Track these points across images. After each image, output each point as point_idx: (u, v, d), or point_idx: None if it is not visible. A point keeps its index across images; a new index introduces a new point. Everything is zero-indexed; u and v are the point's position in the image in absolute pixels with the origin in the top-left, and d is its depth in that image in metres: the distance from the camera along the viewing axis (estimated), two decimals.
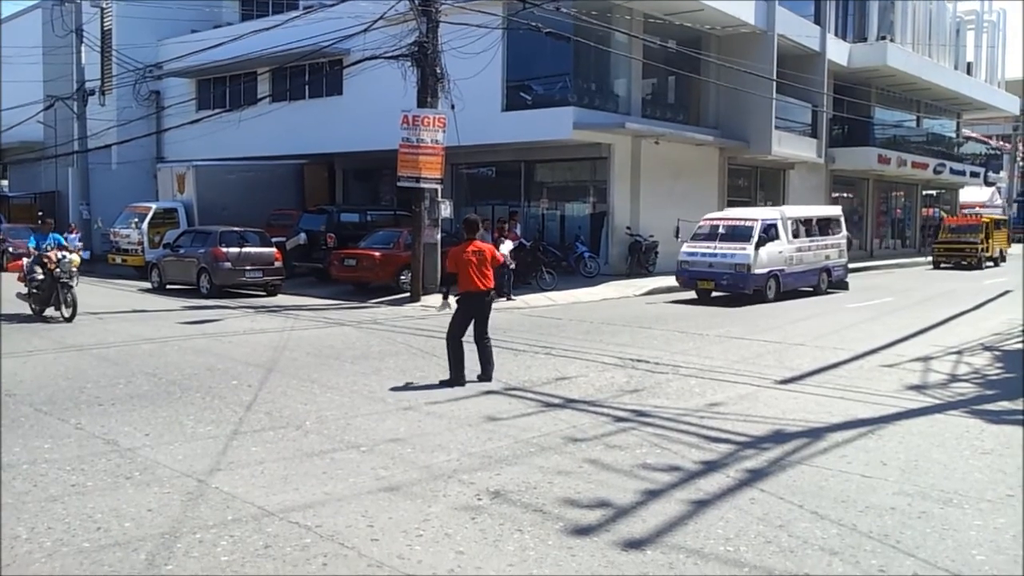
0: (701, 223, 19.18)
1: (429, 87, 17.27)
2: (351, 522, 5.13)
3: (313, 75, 26.66)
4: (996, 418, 7.91)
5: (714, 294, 18.38)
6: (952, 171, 39.22)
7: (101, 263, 25.70)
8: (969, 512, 5.39)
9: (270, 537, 4.88)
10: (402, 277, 18.61)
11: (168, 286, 20.25)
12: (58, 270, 13.86)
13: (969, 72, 41.97)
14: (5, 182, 39.83)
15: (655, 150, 23.45)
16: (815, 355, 11.27)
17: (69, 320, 13.93)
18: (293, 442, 6.91)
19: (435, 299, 17.32)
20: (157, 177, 27.12)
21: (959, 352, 11.68)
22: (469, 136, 18.12)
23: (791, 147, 27.34)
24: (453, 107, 17.23)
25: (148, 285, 20.89)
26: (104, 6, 28.92)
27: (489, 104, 21.38)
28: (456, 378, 9.21)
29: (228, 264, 18.82)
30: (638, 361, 10.76)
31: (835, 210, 22.48)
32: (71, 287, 14.07)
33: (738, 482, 5.93)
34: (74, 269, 14.15)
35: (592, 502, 5.51)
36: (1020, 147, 48.76)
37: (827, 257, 20.23)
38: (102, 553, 4.63)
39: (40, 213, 33.28)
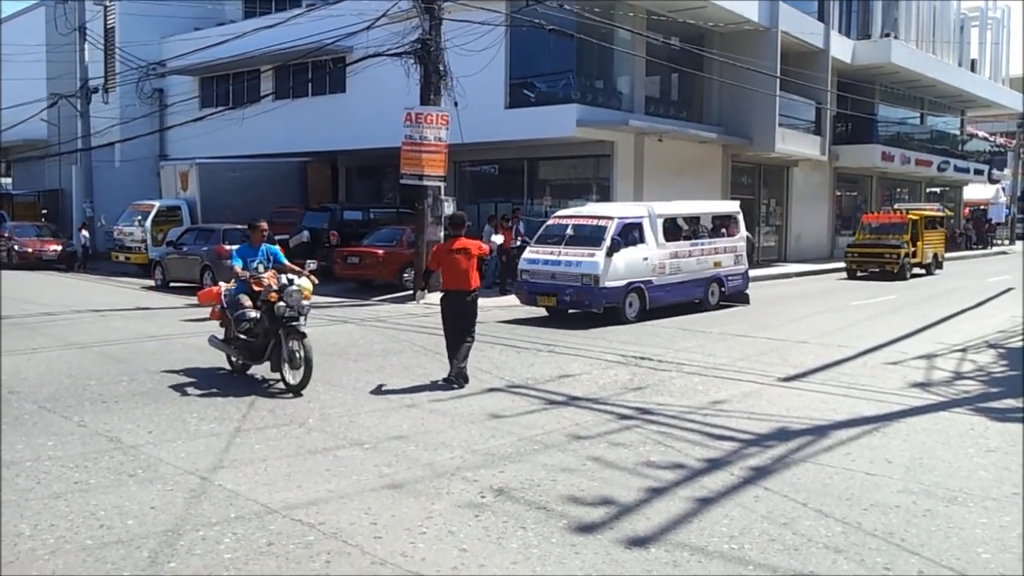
0: (549, 221, 15.72)
1: (432, 84, 17.25)
2: (354, 519, 5.12)
3: (316, 73, 26.64)
4: (1001, 416, 7.89)
5: (570, 311, 14.89)
6: (956, 169, 39.12)
7: (105, 261, 25.75)
8: (974, 510, 5.37)
9: (273, 535, 4.88)
10: (405, 275, 18.59)
11: (171, 284, 20.25)
12: (281, 304, 8.65)
13: (973, 69, 41.86)
14: (9, 180, 39.86)
15: (658, 147, 23.40)
16: (819, 352, 11.24)
17: (298, 390, 8.48)
18: (296, 439, 6.90)
19: (438, 297, 17.34)
20: (160, 175, 27.14)
21: (963, 350, 11.65)
22: (472, 134, 18.09)
23: (794, 144, 27.27)
24: (456, 104, 17.21)
25: (151, 283, 20.90)
26: (107, 4, 28.96)
27: (492, 102, 21.35)
28: (455, 375, 9.11)
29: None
30: (641, 359, 10.74)
31: (729, 206, 18.19)
32: (302, 333, 8.64)
33: (742, 480, 5.91)
34: (306, 302, 8.85)
35: (596, 500, 5.50)
36: None
37: (718, 264, 16.34)
38: (105, 550, 4.63)
39: (44, 211, 33.36)
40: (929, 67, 34.47)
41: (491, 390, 8.84)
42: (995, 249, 42.65)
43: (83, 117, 27.71)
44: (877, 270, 23.94)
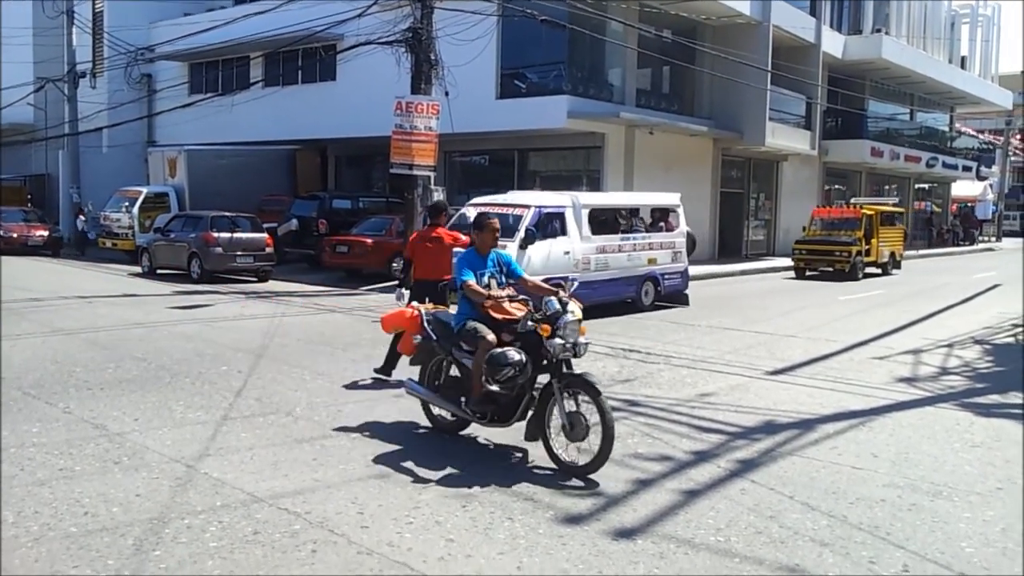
0: (463, 210, 14.31)
1: (423, 73, 17.16)
2: (341, 509, 5.11)
3: (306, 60, 26.49)
4: (986, 411, 7.93)
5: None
6: (945, 165, 39.32)
7: (92, 247, 25.57)
8: (959, 505, 5.40)
9: (259, 523, 4.86)
10: (394, 264, 18.53)
11: (158, 271, 20.14)
12: (557, 340, 5.92)
13: (963, 66, 42.05)
14: None
15: (649, 140, 23.41)
16: (806, 347, 11.29)
17: (585, 473, 5.74)
18: (283, 428, 6.87)
19: None
20: (148, 161, 26.96)
21: (949, 345, 11.72)
22: (463, 123, 18.01)
23: (785, 139, 27.33)
24: (447, 94, 17.13)
25: (138, 269, 20.77)
26: None
27: (483, 92, 21.29)
28: (385, 368, 8.61)
29: (219, 249, 18.73)
30: (630, 351, 10.75)
31: (669, 198, 16.42)
32: (593, 386, 5.88)
33: (729, 472, 5.93)
34: (583, 339, 6.14)
35: (583, 491, 5.50)
36: (1012, 142, 48.85)
37: (653, 261, 15.00)
38: (89, 538, 4.60)
39: (29, 196, 33.08)
40: (919, 63, 34.60)
41: None
42: (981, 246, 42.90)
43: (70, 102, 27.48)
44: (830, 269, 22.27)
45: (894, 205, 26.16)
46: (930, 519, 5.15)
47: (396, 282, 9.86)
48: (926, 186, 43.52)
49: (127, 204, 23.64)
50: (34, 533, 4.65)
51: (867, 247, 22.80)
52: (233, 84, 27.53)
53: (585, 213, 13.98)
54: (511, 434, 6.79)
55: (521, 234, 12.72)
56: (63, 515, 4.92)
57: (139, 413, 7.25)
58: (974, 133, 48.32)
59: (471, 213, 12.84)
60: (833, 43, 30.41)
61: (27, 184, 34.32)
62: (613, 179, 23.01)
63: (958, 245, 41.47)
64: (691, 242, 16.44)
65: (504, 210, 13.24)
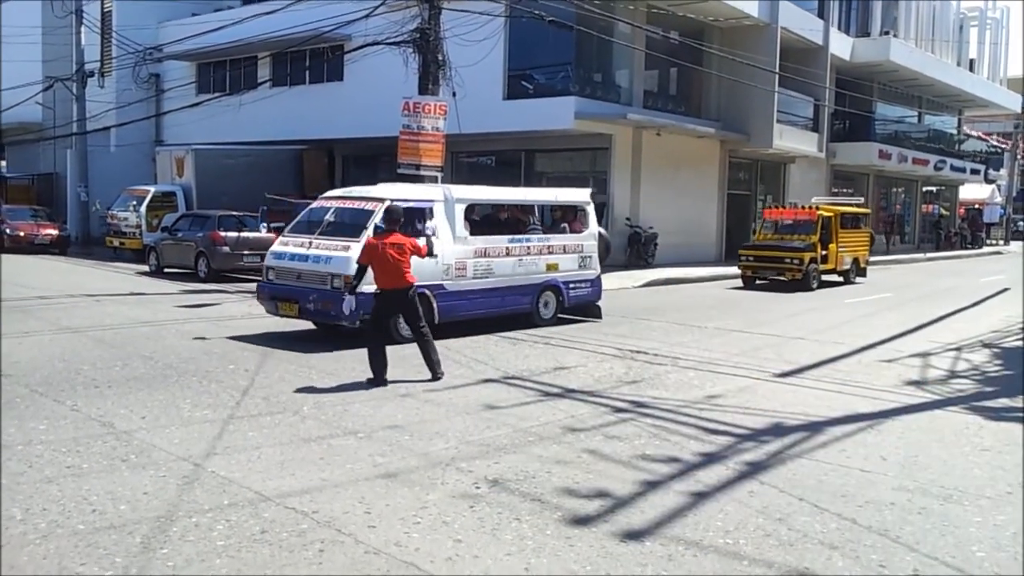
0: (314, 204, 12.49)
1: (431, 74, 17.15)
2: (348, 508, 5.10)
3: (314, 60, 26.54)
4: (995, 415, 7.89)
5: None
6: (952, 168, 39.21)
7: (99, 246, 25.63)
8: (969, 509, 5.37)
9: (266, 522, 4.85)
10: None
11: (166, 270, 20.18)
12: None
13: (972, 69, 41.93)
14: (3, 163, 39.63)
15: (656, 141, 23.38)
16: (814, 349, 11.25)
17: None
18: (290, 427, 6.87)
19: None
20: (156, 160, 27.01)
21: (958, 348, 11.67)
22: (470, 124, 18.03)
23: (792, 141, 27.27)
24: (454, 95, 17.12)
25: (146, 268, 20.81)
26: None
27: (490, 92, 21.29)
28: (377, 378, 8.50)
29: (226, 248, 18.76)
30: (637, 352, 10.73)
31: (576, 195, 14.20)
32: None
33: (737, 474, 5.90)
34: None
35: (591, 492, 5.48)
36: (1020, 145, 48.69)
37: (553, 267, 12.90)
38: (97, 535, 4.60)
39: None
40: (927, 66, 34.50)
41: (486, 381, 8.82)
42: (989, 249, 42.77)
43: (79, 101, 27.54)
44: (783, 278, 19.75)
45: (858, 206, 23.76)
46: (940, 523, 5.12)
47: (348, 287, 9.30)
48: (934, 189, 43.40)
49: (135, 203, 23.68)
50: (42, 530, 4.65)
51: (824, 253, 20.26)
52: (241, 84, 27.58)
53: (461, 210, 11.74)
54: (519, 435, 6.78)
55: (369, 233, 10.30)
56: (71, 512, 4.92)
57: (146, 411, 7.25)
58: (982, 136, 48.18)
59: (320, 207, 11.82)
60: (841, 45, 30.34)
61: (35, 183, 34.40)
62: (620, 180, 23.00)
63: (966, 248, 41.34)
64: (604, 246, 14.06)
65: (353, 204, 11.49)
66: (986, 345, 12.18)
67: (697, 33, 24.48)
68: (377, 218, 10.52)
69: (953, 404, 8.34)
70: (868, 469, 6.11)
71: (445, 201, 11.68)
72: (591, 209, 13.79)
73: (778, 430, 7.10)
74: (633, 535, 4.80)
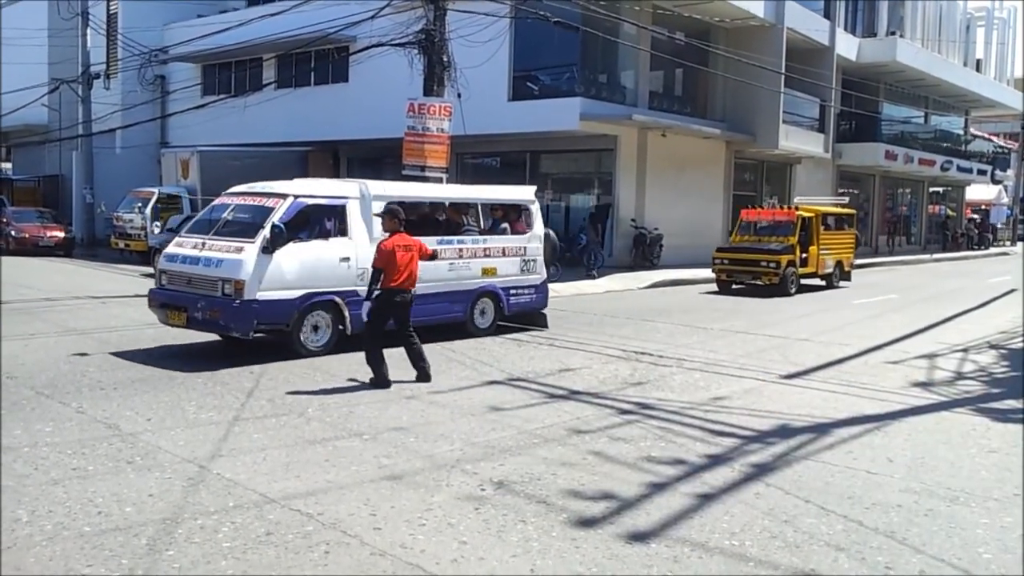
0: (216, 200, 11.25)
1: (436, 75, 17.17)
2: (353, 510, 5.10)
3: (319, 62, 26.56)
4: (1002, 417, 7.86)
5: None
6: (959, 168, 39.10)
7: (104, 248, 25.69)
8: (976, 510, 5.35)
9: (272, 524, 4.85)
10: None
11: None
12: None
13: (978, 69, 41.80)
14: (8, 165, 39.77)
15: (661, 142, 23.36)
16: (819, 351, 11.22)
17: None
18: (295, 429, 6.87)
19: None
20: (161, 162, 27.08)
21: (965, 350, 11.63)
22: (475, 126, 18.02)
23: (798, 142, 27.22)
24: (459, 96, 17.14)
25: (151, 270, 20.80)
26: None
27: (495, 94, 21.28)
28: (380, 380, 8.46)
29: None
30: (642, 354, 10.71)
31: (516, 193, 13.16)
32: None
33: (743, 476, 5.89)
34: None
35: (596, 494, 5.47)
36: None
37: (491, 272, 11.84)
38: (103, 537, 4.60)
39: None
40: (934, 66, 34.41)
41: (491, 383, 8.81)
42: (996, 250, 42.64)
43: (84, 103, 27.61)
44: (757, 283, 18.72)
45: (843, 206, 22.72)
46: (947, 524, 5.10)
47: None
48: (940, 190, 43.28)
49: (140, 205, 23.73)
50: (48, 532, 4.66)
51: (804, 256, 19.25)
52: (246, 85, 27.63)
53: (379, 208, 9.93)
54: (524, 437, 6.77)
55: (266, 233, 9.47)
56: (77, 514, 4.92)
57: (152, 413, 7.26)
58: (989, 136, 48.04)
59: (221, 203, 10.82)
60: (847, 46, 30.28)
61: (41, 185, 34.49)
62: (625, 181, 22.99)
63: (972, 249, 41.22)
64: (551, 248, 13.05)
65: (253, 200, 10.36)
66: (993, 346, 12.14)
67: (703, 34, 24.46)
68: (277, 216, 9.64)
69: (960, 406, 8.32)
70: (875, 471, 6.09)
71: (361, 198, 10.53)
72: (536, 208, 12.80)
73: (784, 432, 7.08)
74: (639, 537, 4.79)
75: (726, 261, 19.24)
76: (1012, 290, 20.82)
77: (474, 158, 25.44)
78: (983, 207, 46.26)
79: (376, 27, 17.94)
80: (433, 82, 17.19)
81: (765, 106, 25.02)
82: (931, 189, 41.89)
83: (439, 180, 17.63)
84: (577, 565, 4.42)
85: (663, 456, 6.31)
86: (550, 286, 17.91)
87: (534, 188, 13.68)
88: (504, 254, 12.14)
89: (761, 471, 6.01)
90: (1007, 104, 42.45)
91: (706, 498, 5.43)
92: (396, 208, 9.04)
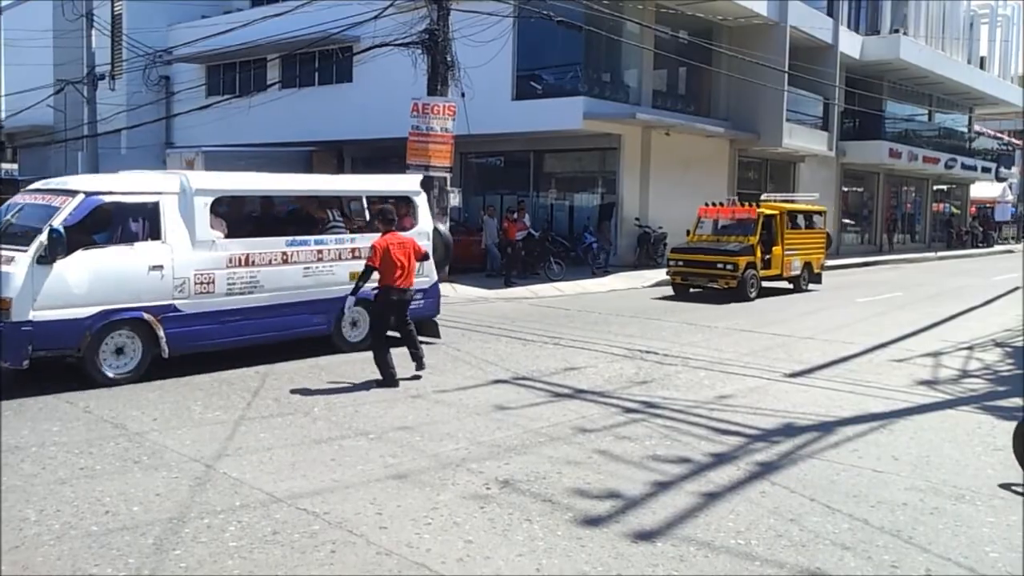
0: (11, 199, 9.58)
1: (439, 75, 17.18)
2: (359, 509, 5.11)
3: (323, 62, 26.58)
4: (1008, 414, 7.85)
5: None
6: (963, 166, 39.00)
7: None
8: (982, 509, 5.35)
9: (278, 523, 4.87)
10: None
11: None
12: None
13: (982, 67, 41.70)
14: (15, 166, 39.87)
15: (665, 141, 23.33)
16: (824, 349, 11.20)
17: None
18: (301, 428, 6.89)
19: (443, 288, 17.30)
20: (166, 163, 27.06)
21: (970, 347, 11.61)
22: (479, 125, 18.04)
23: (802, 140, 27.18)
24: (463, 95, 17.15)
25: None
26: None
27: (499, 93, 21.28)
28: (388, 380, 8.50)
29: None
30: (647, 352, 10.71)
31: (398, 183, 11.75)
32: None
33: (749, 475, 5.89)
34: None
35: (602, 493, 5.48)
36: None
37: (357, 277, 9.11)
38: (110, 536, 4.62)
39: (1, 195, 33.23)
40: (938, 64, 34.32)
41: (496, 382, 8.82)
42: (1000, 248, 42.55)
43: (89, 104, 27.61)
44: (714, 286, 17.19)
45: (812, 203, 21.04)
46: (953, 523, 5.10)
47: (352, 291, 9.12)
48: (945, 187, 43.19)
49: None
50: (56, 531, 4.68)
51: (767, 257, 17.83)
52: (250, 86, 27.63)
53: (203, 205, 9.02)
54: (530, 436, 6.78)
55: (43, 240, 7.94)
56: (84, 514, 4.95)
57: (158, 412, 7.29)
58: (993, 134, 47.93)
59: (18, 202, 9.16)
60: (850, 44, 30.22)
61: None
62: (629, 180, 22.97)
63: (977, 247, 41.12)
64: (443, 247, 11.98)
65: (40, 200, 8.76)
66: (998, 344, 12.12)
67: (706, 32, 24.42)
68: (60, 218, 8.13)
69: (965, 403, 8.31)
70: (880, 469, 6.09)
71: (181, 194, 8.98)
72: (422, 201, 11.22)
73: (789, 430, 7.08)
74: (644, 536, 4.80)
75: (681, 263, 17.61)
76: (1017, 288, 20.76)
77: (478, 157, 25.45)
78: (987, 205, 46.15)
79: (380, 27, 17.94)
80: (437, 82, 17.21)
81: (769, 104, 24.98)
82: (935, 187, 41.80)
83: (443, 180, 17.66)
84: (583, 564, 4.43)
85: (668, 455, 6.32)
86: (558, 284, 17.66)
87: (419, 177, 12.10)
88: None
89: (766, 470, 6.01)
90: (1011, 101, 42.28)
91: (712, 497, 5.44)
92: (387, 208, 9.08)
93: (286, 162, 26.19)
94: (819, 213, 20.76)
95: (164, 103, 29.04)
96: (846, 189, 34.18)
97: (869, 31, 32.82)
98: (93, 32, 27.72)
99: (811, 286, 19.62)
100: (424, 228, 11.03)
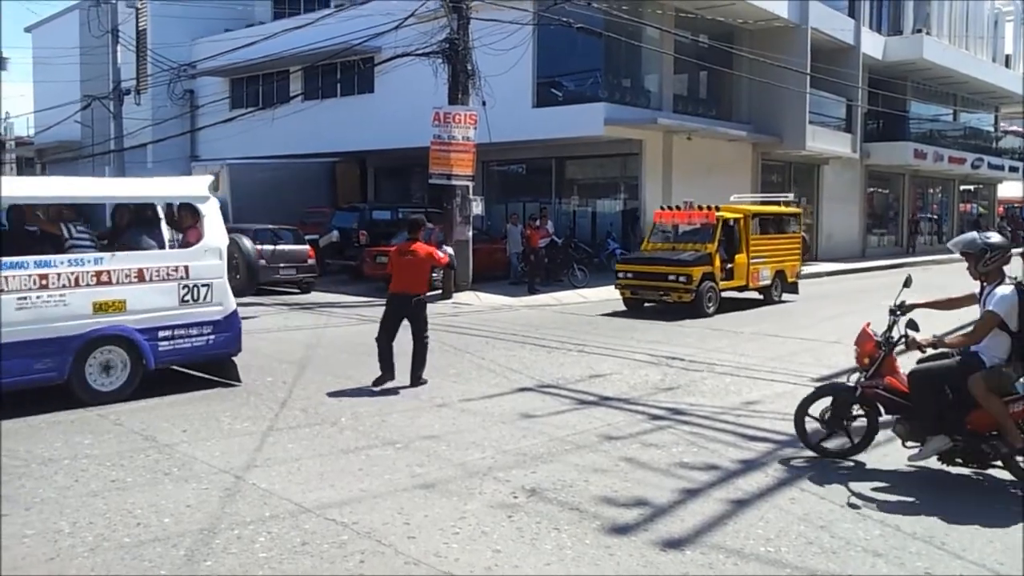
0: None
1: (460, 84, 17.27)
2: (387, 519, 5.13)
3: (345, 73, 26.78)
4: None
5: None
6: (990, 166, 38.54)
7: None
8: (1016, 514, 5.27)
9: (307, 534, 4.90)
10: (434, 274, 18.60)
11: None
12: None
13: (1007, 65, 41.22)
14: None
15: (687, 146, 23.26)
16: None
17: None
18: (328, 439, 6.93)
19: (467, 296, 17.37)
20: (192, 175, 27.39)
21: None
22: (500, 133, 18.09)
23: (825, 142, 27.00)
24: (484, 104, 17.23)
25: None
26: (139, 6, 29.28)
27: (520, 101, 21.33)
28: (383, 376, 8.95)
29: (262, 262, 18.94)
30: (672, 359, 10.67)
31: (175, 187, 9.77)
32: None
33: (777, 481, 5.85)
34: None
35: (629, 501, 5.46)
36: None
37: (111, 307, 8.12)
38: (142, 548, 4.67)
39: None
40: (962, 63, 33.99)
41: (521, 390, 8.83)
42: None
43: (116, 118, 27.99)
44: (668, 300, 15.21)
45: (786, 204, 18.86)
46: (987, 529, 5.03)
47: (438, 291, 9.78)
48: (971, 187, 42.71)
49: None
50: (90, 543, 4.74)
51: (729, 266, 15.89)
52: (273, 98, 27.89)
53: None
54: (556, 443, 6.76)
55: None
56: (117, 525, 5.00)
57: (187, 424, 7.36)
58: (1021, 132, 47.28)
59: None
60: (873, 44, 30.01)
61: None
62: (651, 185, 22.91)
63: None
64: (247, 267, 10.51)
65: None
66: None
67: (726, 36, 24.34)
68: None
69: None
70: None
71: None
72: (211, 209, 8.94)
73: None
74: (673, 544, 4.78)
75: (630, 275, 15.69)
76: None
77: (500, 165, 25.51)
78: (1015, 204, 45.53)
79: (400, 37, 18.06)
80: (458, 91, 17.30)
81: (791, 107, 24.85)
82: (962, 187, 41.34)
83: (466, 188, 17.72)
84: (611, 573, 4.42)
85: (696, 462, 6.29)
86: (581, 290, 17.18)
87: (209, 179, 9.48)
88: (144, 278, 8.33)
89: (795, 476, 5.97)
90: None
91: (740, 504, 5.40)
92: (413, 219, 9.59)
93: (310, 173, 26.45)
94: (794, 216, 18.57)
95: (189, 116, 29.39)
96: (871, 191, 33.87)
97: (892, 31, 32.56)
98: (119, 48, 28.12)
99: (785, 296, 17.47)
100: (213, 243, 8.78)
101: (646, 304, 15.90)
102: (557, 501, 5.46)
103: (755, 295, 17.01)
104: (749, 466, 6.19)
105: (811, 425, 6.39)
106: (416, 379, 9.02)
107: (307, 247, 19.78)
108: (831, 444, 6.33)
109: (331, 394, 8.60)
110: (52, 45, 31.93)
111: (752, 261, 16.49)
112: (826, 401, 6.36)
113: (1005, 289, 5.76)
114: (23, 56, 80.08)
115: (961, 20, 36.71)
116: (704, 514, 5.23)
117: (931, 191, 39.11)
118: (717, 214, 15.88)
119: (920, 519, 5.16)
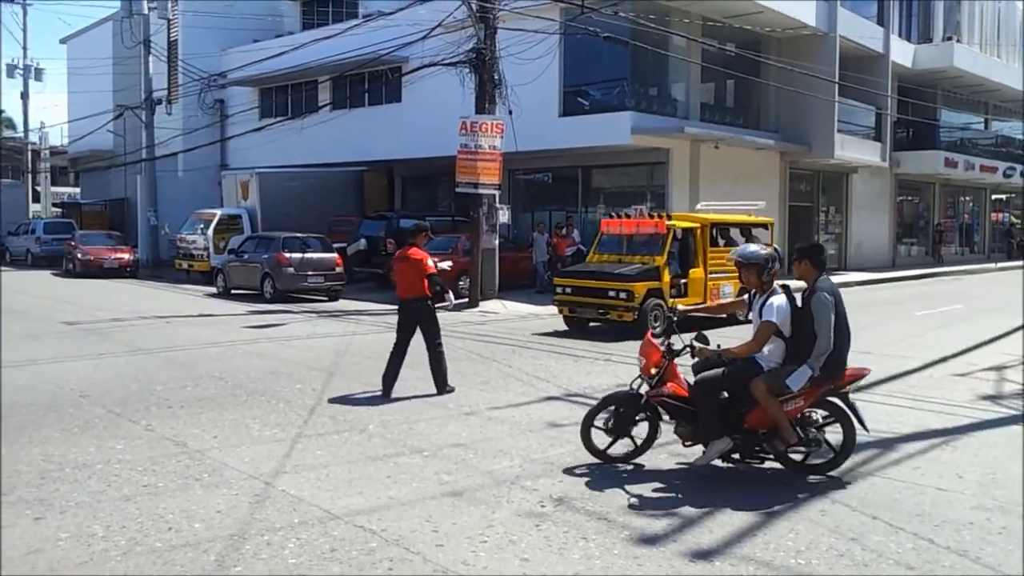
0: None
1: (487, 93, 17.35)
2: (416, 527, 5.15)
3: (373, 83, 26.98)
4: None
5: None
6: (1022, 175, 38.03)
7: (168, 269, 26.35)
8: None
9: (336, 540, 4.92)
10: (460, 283, 18.67)
11: (233, 291, 20.63)
12: None
13: None
14: (77, 190, 41.16)
15: (714, 154, 23.17)
16: (882, 363, 10.96)
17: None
18: (357, 446, 6.97)
19: (494, 304, 17.39)
20: (221, 184, 27.70)
21: None
22: (526, 142, 18.13)
23: (854, 151, 26.78)
24: (511, 113, 17.28)
25: (213, 290, 21.32)
26: (171, 18, 29.71)
27: (546, 110, 21.38)
28: (383, 393, 8.97)
29: (291, 269, 19.12)
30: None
31: None
32: None
33: (808, 493, 5.80)
34: None
35: (658, 511, 5.44)
36: None
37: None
38: (174, 553, 4.72)
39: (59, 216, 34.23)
40: (993, 70, 33.61)
41: (549, 399, 8.82)
42: None
43: (147, 128, 28.43)
44: (612, 318, 13.79)
45: (753, 213, 16.85)
46: (1023, 543, 4.95)
47: (465, 299, 9.85)
48: (1003, 197, 42.15)
49: (202, 226, 24.28)
50: (122, 547, 4.80)
51: (682, 281, 14.32)
52: (302, 108, 28.16)
53: None
54: (583, 453, 6.75)
55: None
56: (148, 530, 5.06)
57: (217, 431, 7.43)
58: None
59: None
60: (902, 52, 29.76)
61: (107, 208, 35.58)
62: (679, 195, 22.83)
63: None
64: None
65: None
66: None
67: (754, 44, 24.26)
68: None
69: None
70: (944, 487, 5.95)
71: None
72: None
73: None
74: (702, 554, 4.76)
75: (568, 290, 14.32)
76: None
77: (526, 174, 25.54)
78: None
79: (428, 47, 18.18)
80: (485, 100, 17.38)
81: (819, 115, 24.69)
82: (993, 196, 40.83)
83: (492, 197, 17.77)
84: None
85: (724, 472, 6.25)
86: None
87: None
88: None
89: (826, 487, 5.91)
90: None
91: (770, 515, 5.36)
92: (417, 224, 9.67)
93: (338, 182, 26.69)
94: (763, 226, 16.46)
95: (219, 126, 29.75)
96: (901, 199, 33.54)
97: (921, 39, 32.27)
98: (151, 58, 28.57)
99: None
100: None
101: (591, 324, 14.53)
102: (585, 510, 5.45)
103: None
104: (778, 477, 6.14)
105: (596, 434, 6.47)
106: (441, 387, 9.04)
107: (335, 255, 19.94)
108: (614, 450, 6.50)
109: (359, 401, 8.65)
110: (86, 56, 32.46)
111: (711, 276, 14.85)
112: (611, 410, 6.53)
113: (780, 300, 6.17)
114: (59, 67, 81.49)
115: (992, 27, 36.31)
116: (733, 525, 5.19)
117: (962, 200, 38.64)
118: (668, 223, 14.46)
119: (954, 533, 5.08)
